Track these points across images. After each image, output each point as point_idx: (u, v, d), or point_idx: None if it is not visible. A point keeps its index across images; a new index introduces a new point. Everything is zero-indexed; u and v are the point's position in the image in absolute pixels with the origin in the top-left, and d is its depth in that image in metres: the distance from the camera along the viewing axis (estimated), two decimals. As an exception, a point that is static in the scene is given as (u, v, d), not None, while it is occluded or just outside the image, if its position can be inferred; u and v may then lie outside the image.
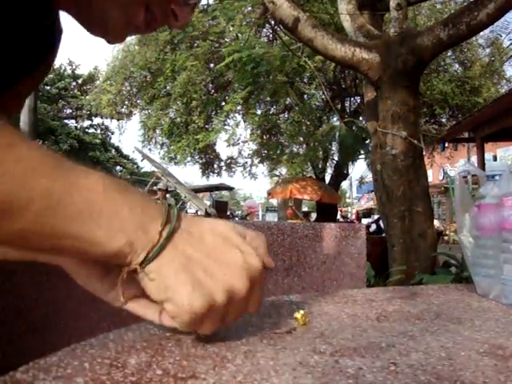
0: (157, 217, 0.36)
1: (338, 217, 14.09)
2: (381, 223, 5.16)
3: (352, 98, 9.93)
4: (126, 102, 10.39)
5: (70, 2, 0.53)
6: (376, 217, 9.00)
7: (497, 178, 0.61)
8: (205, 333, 0.37)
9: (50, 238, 0.33)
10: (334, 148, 10.73)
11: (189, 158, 10.58)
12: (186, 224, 0.38)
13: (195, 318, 0.35)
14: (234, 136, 9.55)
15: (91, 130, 24.02)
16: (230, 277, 0.37)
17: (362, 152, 9.48)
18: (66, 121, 22.47)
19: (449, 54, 9.18)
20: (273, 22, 7.03)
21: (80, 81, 23.07)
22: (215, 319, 0.37)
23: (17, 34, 0.53)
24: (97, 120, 23.58)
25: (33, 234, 0.33)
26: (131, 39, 9.83)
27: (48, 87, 21.74)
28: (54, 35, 0.61)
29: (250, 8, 7.03)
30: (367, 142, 7.04)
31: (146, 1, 0.52)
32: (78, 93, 21.80)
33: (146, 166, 26.94)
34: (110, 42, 0.57)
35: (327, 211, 10.36)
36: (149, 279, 0.35)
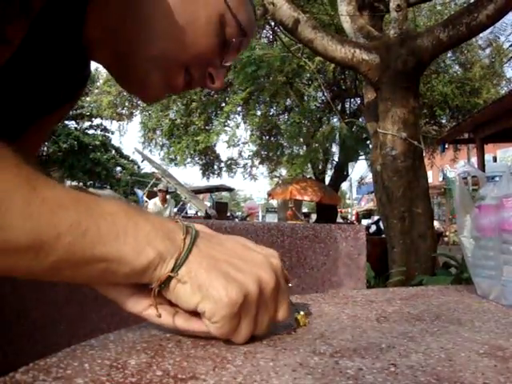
0: (177, 229, 0.39)
1: (338, 218, 14.09)
2: (381, 224, 5.16)
3: (352, 99, 9.94)
4: (127, 104, 10.39)
5: (108, 59, 0.55)
6: (376, 218, 9.00)
7: (497, 179, 0.61)
8: (239, 339, 0.38)
9: (81, 265, 0.35)
10: (334, 149, 10.74)
11: (189, 159, 10.59)
12: (205, 235, 0.41)
13: (233, 313, 0.36)
14: (235, 137, 9.56)
15: (91, 131, 24.01)
16: (257, 270, 0.39)
17: (362, 153, 9.49)
18: (66, 121, 22.47)
19: (449, 55, 9.19)
20: (273, 23, 7.03)
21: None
22: (249, 319, 0.37)
23: (52, 80, 0.56)
24: (97, 121, 23.59)
25: (65, 264, 0.34)
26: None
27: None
28: (84, 80, 0.65)
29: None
30: (368, 142, 7.04)
31: (185, 64, 0.53)
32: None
33: (146, 167, 26.98)
34: (145, 100, 0.59)
35: (327, 212, 10.36)
36: (181, 283, 0.37)
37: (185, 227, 0.39)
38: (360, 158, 10.91)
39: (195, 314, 0.38)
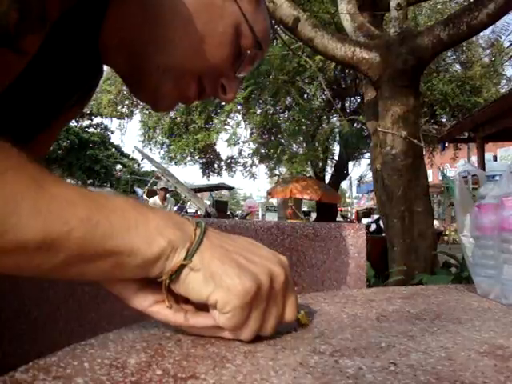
0: (186, 221, 0.39)
1: (338, 217, 14.08)
2: (381, 223, 5.16)
3: (352, 98, 9.93)
4: (127, 102, 10.38)
5: (122, 66, 0.55)
6: (376, 217, 9.00)
7: (497, 178, 0.61)
8: (247, 334, 0.37)
9: (92, 260, 0.35)
10: (334, 148, 10.75)
11: (189, 158, 10.58)
12: (214, 229, 0.41)
13: (246, 303, 0.36)
14: (235, 136, 9.56)
15: (91, 130, 24.00)
16: (267, 263, 0.39)
17: (364, 151, 9.49)
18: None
19: (449, 54, 9.17)
20: (273, 22, 7.02)
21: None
22: (259, 313, 0.37)
23: (67, 85, 0.55)
24: (97, 120, 23.58)
25: (76, 259, 0.34)
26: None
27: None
28: (93, 82, 0.64)
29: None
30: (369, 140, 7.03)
31: (198, 74, 0.53)
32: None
33: (146, 166, 27.01)
34: (156, 109, 0.59)
35: (327, 211, 10.37)
36: (194, 272, 0.36)
37: (194, 221, 0.40)
38: (362, 156, 10.92)
39: (201, 310, 0.38)
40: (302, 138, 9.72)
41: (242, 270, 0.37)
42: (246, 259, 0.38)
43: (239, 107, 9.15)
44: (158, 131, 10.52)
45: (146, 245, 0.35)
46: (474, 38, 8.50)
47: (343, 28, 3.93)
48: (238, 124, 9.66)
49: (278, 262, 0.40)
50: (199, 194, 14.15)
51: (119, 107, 10.40)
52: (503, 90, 9.51)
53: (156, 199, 7.47)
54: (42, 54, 0.45)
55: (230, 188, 18.56)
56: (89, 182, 23.38)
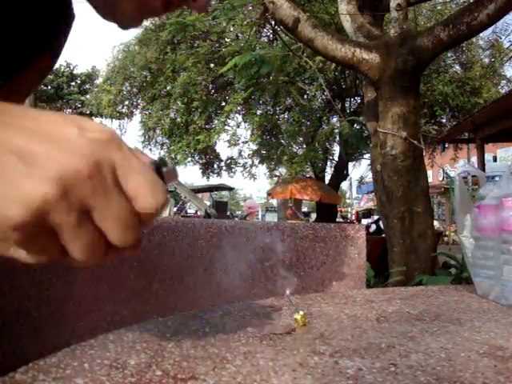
0: None
1: (338, 217, 14.08)
2: (380, 224, 5.16)
3: (352, 99, 9.94)
4: (127, 102, 10.38)
5: None
6: (376, 217, 9.00)
7: (497, 178, 0.61)
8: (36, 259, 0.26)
9: None
10: (334, 148, 10.75)
11: (189, 159, 10.58)
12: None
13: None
14: (235, 136, 9.56)
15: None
16: (58, 156, 0.25)
17: (365, 151, 9.49)
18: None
19: (449, 54, 9.18)
20: (273, 22, 7.02)
21: (78, 80, 23.14)
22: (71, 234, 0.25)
23: (18, 17, 0.47)
24: (97, 120, 23.60)
25: None
26: (131, 39, 9.86)
27: (47, 87, 21.81)
28: (60, 21, 0.55)
29: (250, 8, 7.03)
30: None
31: None
32: (76, 89, 21.93)
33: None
34: (123, 27, 0.50)
35: (327, 212, 10.37)
36: None
37: None
38: (362, 157, 10.92)
39: None
40: (302, 139, 9.72)
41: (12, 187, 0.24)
42: (22, 160, 0.24)
43: (239, 108, 9.16)
44: (157, 132, 10.52)
45: None
46: (473, 39, 8.51)
47: (343, 29, 3.93)
48: (238, 125, 9.67)
49: (77, 148, 0.25)
50: (199, 195, 14.15)
51: (119, 107, 10.41)
52: (503, 91, 9.51)
53: (156, 200, 7.46)
54: None
55: (230, 188, 18.55)
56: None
